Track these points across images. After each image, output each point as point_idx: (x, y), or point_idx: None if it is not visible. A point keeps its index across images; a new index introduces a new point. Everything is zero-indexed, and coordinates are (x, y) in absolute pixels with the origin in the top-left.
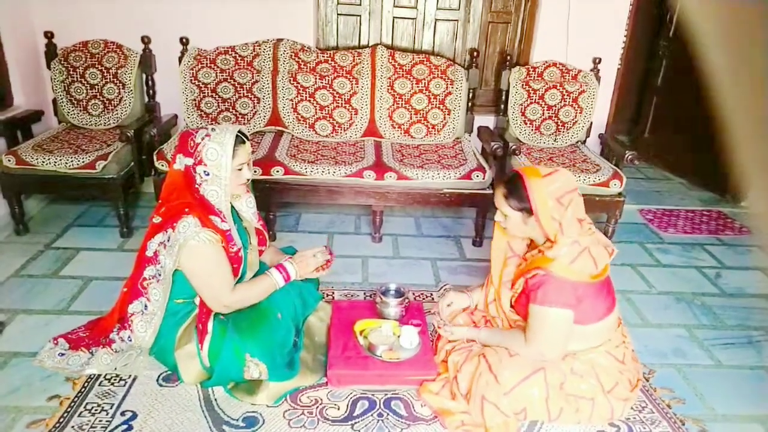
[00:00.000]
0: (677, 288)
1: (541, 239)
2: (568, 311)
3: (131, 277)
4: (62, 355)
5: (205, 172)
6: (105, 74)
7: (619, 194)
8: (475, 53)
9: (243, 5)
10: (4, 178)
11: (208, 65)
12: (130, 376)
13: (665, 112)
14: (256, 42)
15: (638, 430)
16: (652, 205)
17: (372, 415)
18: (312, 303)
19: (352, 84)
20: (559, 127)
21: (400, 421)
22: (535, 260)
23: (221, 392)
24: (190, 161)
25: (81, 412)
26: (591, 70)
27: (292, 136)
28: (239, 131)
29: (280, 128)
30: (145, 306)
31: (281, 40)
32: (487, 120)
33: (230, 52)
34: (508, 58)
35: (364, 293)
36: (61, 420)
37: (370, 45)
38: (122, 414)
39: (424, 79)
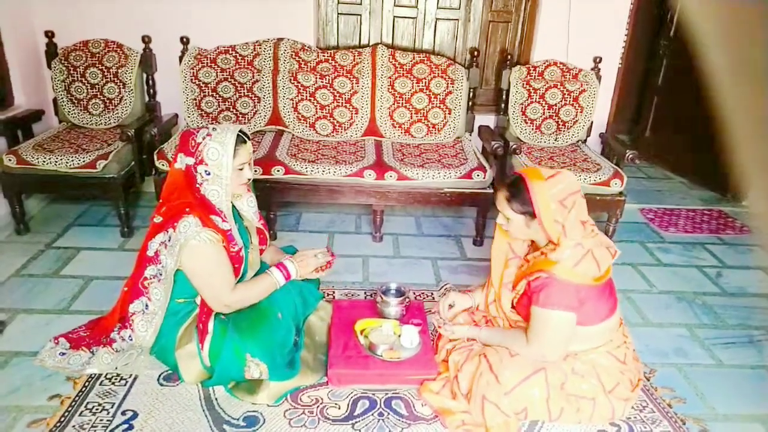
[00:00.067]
0: (678, 287)
1: (543, 241)
2: (571, 314)
3: (132, 277)
4: (63, 354)
5: (206, 171)
6: (105, 74)
7: (620, 193)
8: (475, 52)
9: (243, 5)
10: (4, 178)
11: (209, 65)
12: (130, 375)
13: (666, 111)
14: (257, 41)
15: (639, 430)
16: (653, 204)
17: (372, 414)
18: (312, 302)
19: (352, 83)
20: (560, 126)
21: (401, 421)
22: (537, 262)
23: (222, 392)
24: (191, 161)
25: (82, 411)
26: (591, 70)
27: (293, 135)
28: (240, 131)
29: (280, 128)
30: (146, 305)
31: (282, 39)
32: (488, 119)
33: (231, 52)
34: (509, 57)
35: (365, 293)
36: (62, 419)
37: (370, 44)
38: (123, 413)
39: (424, 78)
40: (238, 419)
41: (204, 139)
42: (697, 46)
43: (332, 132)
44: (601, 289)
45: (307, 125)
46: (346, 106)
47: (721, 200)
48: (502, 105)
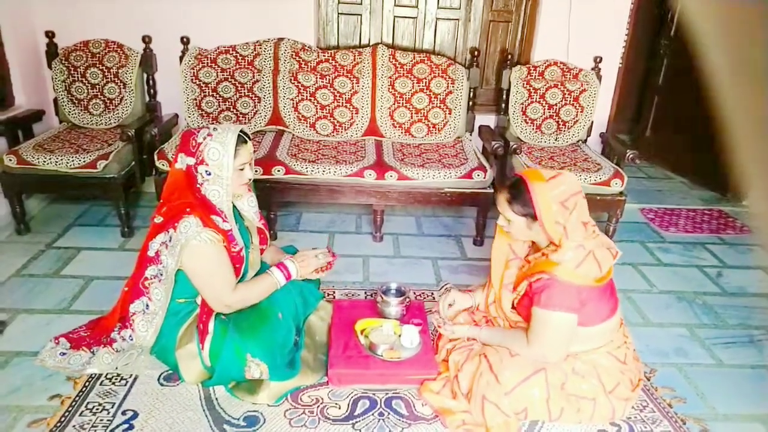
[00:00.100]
0: (678, 287)
1: (544, 242)
2: (572, 315)
3: (132, 277)
4: (63, 354)
5: (206, 171)
6: (106, 74)
7: (620, 193)
8: (475, 52)
9: (244, 4)
10: (5, 178)
11: (209, 65)
12: (131, 375)
13: (666, 111)
14: (257, 41)
15: (639, 430)
16: (654, 204)
17: (373, 414)
18: (313, 302)
19: (352, 83)
20: (560, 126)
21: (401, 421)
22: (539, 264)
23: (222, 391)
24: (191, 161)
25: (82, 411)
26: (592, 69)
27: (293, 135)
28: (241, 131)
29: (280, 128)
30: (147, 305)
31: (282, 39)
32: (488, 119)
33: (231, 52)
34: (509, 57)
35: (365, 292)
36: (63, 419)
37: (370, 44)
38: (123, 413)
39: (424, 78)
40: (238, 419)
41: (205, 139)
42: (697, 45)
43: (332, 132)
44: (602, 290)
45: (308, 125)
46: (346, 106)
47: (721, 200)
48: (503, 105)
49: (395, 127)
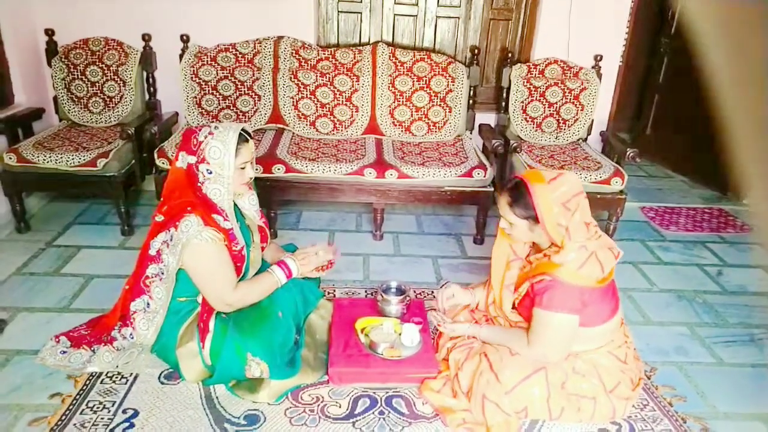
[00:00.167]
0: (679, 286)
1: (546, 243)
2: (574, 316)
3: (133, 275)
4: (64, 353)
5: (207, 170)
6: (106, 72)
7: (621, 192)
8: (476, 50)
9: (244, 3)
10: (5, 176)
11: (209, 63)
12: (131, 373)
13: (667, 109)
14: (257, 39)
15: (640, 429)
16: (654, 202)
17: (373, 412)
18: (313, 301)
19: (352, 81)
20: (560, 124)
21: (402, 419)
22: (541, 265)
23: (223, 390)
24: (192, 159)
25: (83, 409)
26: (592, 68)
27: (293, 133)
28: (243, 129)
29: (280, 126)
30: (148, 304)
31: (282, 37)
32: (488, 117)
33: (231, 50)
34: (509, 55)
35: (366, 291)
36: (63, 418)
37: (370, 42)
38: (124, 412)
39: (425, 76)
40: (238, 418)
41: (206, 137)
42: (698, 45)
43: (332, 130)
44: (604, 290)
45: (308, 123)
46: (346, 105)
47: (721, 199)
48: (503, 103)
49: (395, 125)
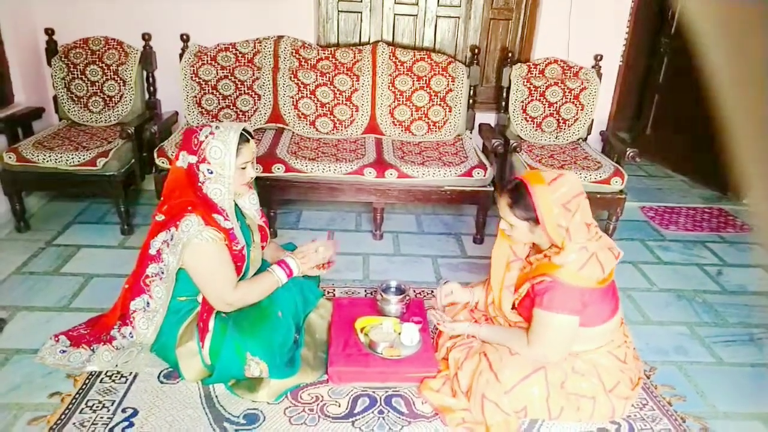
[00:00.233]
0: (678, 285)
1: (546, 244)
2: (574, 317)
3: (133, 274)
4: (63, 352)
5: (208, 170)
6: (105, 71)
7: (621, 191)
8: (476, 50)
9: (244, 3)
10: (4, 176)
11: (209, 62)
12: (131, 373)
13: (667, 109)
14: (257, 39)
15: (639, 428)
16: (654, 202)
17: (373, 412)
18: (313, 300)
19: (352, 81)
20: (560, 124)
21: (401, 418)
22: (541, 266)
23: (222, 389)
24: (193, 159)
25: (82, 408)
26: (592, 67)
27: (293, 133)
28: (244, 129)
29: (280, 125)
30: (147, 303)
31: (282, 37)
32: (488, 117)
33: (231, 49)
34: (509, 55)
35: (365, 290)
36: (63, 417)
37: (371, 42)
38: (123, 411)
39: (425, 76)
40: (238, 417)
41: (207, 137)
42: (698, 45)
43: (332, 130)
44: (604, 291)
45: (308, 123)
46: (346, 104)
47: (721, 198)
48: (503, 103)
49: (395, 125)
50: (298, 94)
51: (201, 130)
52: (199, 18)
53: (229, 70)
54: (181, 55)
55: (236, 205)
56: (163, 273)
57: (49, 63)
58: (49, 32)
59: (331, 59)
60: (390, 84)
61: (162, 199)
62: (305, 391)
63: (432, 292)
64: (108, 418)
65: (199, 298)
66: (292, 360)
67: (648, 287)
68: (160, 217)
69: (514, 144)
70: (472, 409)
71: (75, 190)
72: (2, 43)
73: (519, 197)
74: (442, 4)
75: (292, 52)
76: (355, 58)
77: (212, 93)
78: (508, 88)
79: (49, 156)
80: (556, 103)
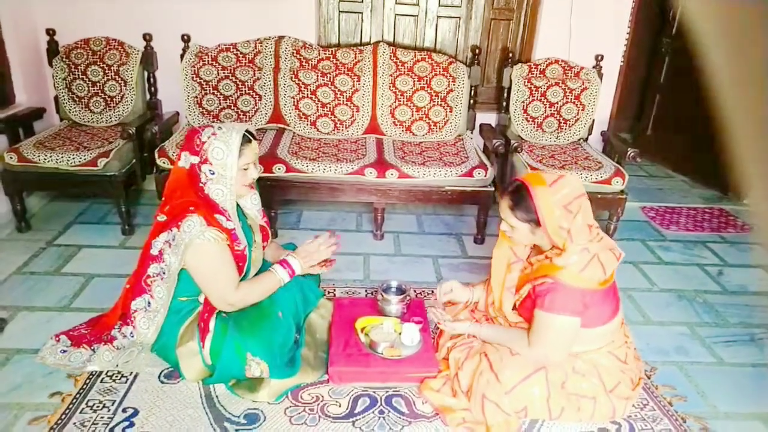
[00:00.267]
0: (679, 285)
1: (547, 246)
2: (575, 318)
3: (135, 274)
4: (64, 352)
5: (210, 171)
6: (107, 71)
7: (621, 192)
8: (477, 50)
9: (244, 3)
10: (5, 176)
11: (210, 62)
12: (131, 373)
13: (667, 109)
14: (258, 39)
15: (639, 428)
16: (655, 202)
17: (373, 412)
18: (313, 300)
19: (353, 81)
20: (561, 124)
21: (401, 418)
22: (543, 267)
23: (222, 389)
24: (195, 159)
25: (83, 408)
26: (593, 67)
27: (294, 133)
28: (246, 130)
29: (281, 125)
30: (149, 303)
31: (283, 37)
32: (489, 117)
33: (232, 50)
34: (510, 55)
35: (366, 290)
36: (63, 417)
37: (371, 42)
38: (124, 410)
39: (425, 76)
40: (238, 417)
41: (209, 138)
42: (699, 45)
43: (333, 130)
44: (605, 292)
45: (308, 123)
46: (347, 104)
47: (722, 198)
48: (504, 103)
49: (396, 125)
50: (298, 94)
51: (203, 130)
52: (200, 18)
53: (230, 70)
54: (182, 56)
55: (238, 205)
56: (164, 273)
57: (50, 63)
58: (51, 32)
59: (331, 59)
60: (391, 84)
61: (164, 199)
62: (306, 391)
63: (432, 292)
64: (108, 417)
65: (201, 298)
66: (292, 360)
67: (649, 287)
68: (161, 218)
69: (515, 144)
70: (473, 409)
71: (76, 190)
72: (3, 43)
73: (520, 199)
74: (442, 4)
75: (293, 53)
76: (355, 58)
77: (213, 93)
78: (509, 89)
79: (50, 156)
80: (557, 103)
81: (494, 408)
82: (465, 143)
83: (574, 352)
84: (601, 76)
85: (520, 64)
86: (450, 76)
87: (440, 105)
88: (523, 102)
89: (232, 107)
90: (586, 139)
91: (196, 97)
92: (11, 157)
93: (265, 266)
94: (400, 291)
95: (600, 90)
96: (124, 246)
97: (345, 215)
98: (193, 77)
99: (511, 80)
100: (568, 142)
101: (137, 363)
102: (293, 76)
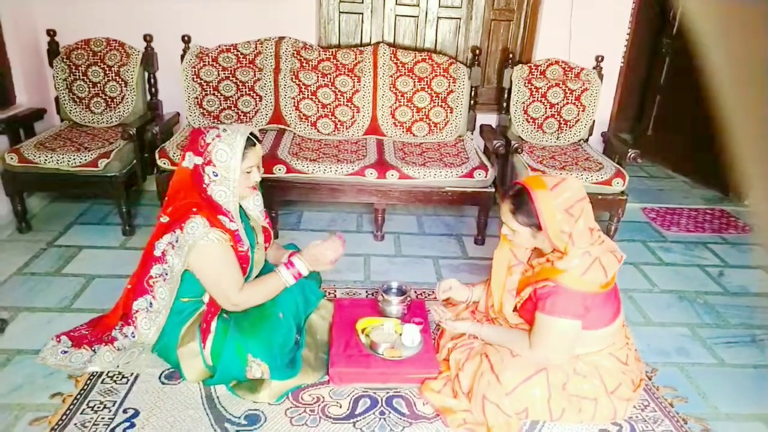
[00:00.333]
0: (680, 287)
1: (549, 249)
2: (577, 321)
3: (136, 275)
4: (65, 352)
5: (213, 172)
6: (107, 72)
7: (622, 193)
8: (477, 51)
9: (245, 4)
10: (6, 176)
11: (210, 63)
12: (132, 373)
13: (668, 110)
14: (258, 40)
15: (641, 429)
16: (655, 203)
17: (374, 413)
18: (314, 301)
19: (354, 82)
20: (562, 125)
21: (402, 419)
22: (544, 270)
23: (223, 390)
24: (199, 160)
25: (83, 409)
26: (594, 68)
27: (294, 134)
28: (251, 133)
29: (282, 126)
30: (150, 303)
31: (283, 38)
32: (490, 118)
33: (232, 50)
34: (511, 55)
35: (366, 291)
36: (64, 417)
37: (372, 43)
38: (124, 411)
39: (426, 77)
40: (239, 417)
41: (213, 140)
42: (699, 45)
43: (334, 131)
44: (606, 295)
45: (309, 124)
46: (347, 105)
47: (723, 199)
48: (504, 104)
49: (396, 126)
50: (299, 95)
51: (208, 132)
52: (200, 19)
53: (231, 71)
54: (182, 56)
55: (240, 206)
56: (167, 274)
57: (50, 64)
58: (51, 33)
59: (332, 60)
60: (391, 85)
61: (167, 199)
62: (306, 392)
63: (433, 292)
64: (109, 418)
65: (204, 299)
66: (293, 361)
67: (649, 288)
68: (164, 219)
69: (516, 145)
70: (474, 410)
71: (76, 191)
72: (4, 44)
73: (521, 203)
74: (443, 5)
75: (293, 53)
76: (356, 59)
77: (213, 94)
78: (510, 89)
79: (51, 157)
80: (557, 104)
81: (495, 409)
82: (465, 144)
83: (575, 353)
84: (601, 76)
85: (520, 64)
86: (450, 76)
87: (441, 106)
88: (523, 103)
89: (233, 108)
90: (587, 140)
91: (197, 97)
92: (12, 158)
93: (266, 267)
94: (401, 292)
95: (600, 91)
96: (125, 247)
97: (345, 216)
98: (193, 78)
99: (511, 81)
100: (569, 143)
101: (138, 364)
102: (294, 76)
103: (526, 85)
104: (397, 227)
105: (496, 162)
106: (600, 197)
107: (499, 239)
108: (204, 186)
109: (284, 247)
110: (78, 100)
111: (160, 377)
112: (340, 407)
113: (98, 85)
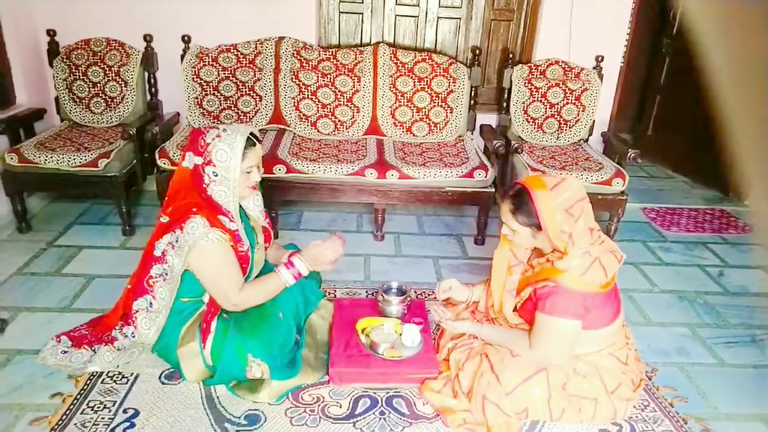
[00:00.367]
0: (680, 287)
1: (549, 249)
2: (577, 322)
3: (136, 275)
4: (65, 352)
5: (213, 173)
6: (107, 72)
7: (622, 192)
8: (477, 51)
9: (245, 4)
10: (6, 176)
11: (210, 63)
12: (132, 373)
13: (668, 110)
14: (258, 40)
15: (641, 429)
16: (655, 203)
17: (374, 413)
18: (314, 301)
19: (354, 82)
20: (562, 125)
21: (402, 419)
22: (544, 270)
23: (223, 390)
24: (199, 160)
25: (83, 409)
26: (594, 68)
27: (294, 134)
28: (251, 133)
29: (282, 126)
30: (150, 303)
31: (283, 38)
32: (490, 118)
33: (232, 50)
34: (511, 55)
35: (366, 291)
36: (64, 417)
37: (372, 43)
38: (124, 411)
39: (426, 77)
40: (239, 417)
41: (213, 140)
42: (699, 45)
43: (334, 131)
44: (606, 295)
45: (309, 124)
46: (347, 105)
47: (723, 199)
48: (504, 104)
49: (396, 126)
50: (299, 95)
51: (208, 132)
52: (200, 19)
53: (231, 71)
54: (182, 56)
55: (240, 206)
56: (167, 274)
57: (50, 64)
58: (51, 33)
59: (332, 60)
60: (391, 85)
61: (167, 199)
62: (306, 392)
63: (433, 292)
64: (109, 418)
65: (204, 299)
66: (293, 361)
67: (649, 288)
68: (164, 219)
69: (516, 145)
70: (474, 410)
71: (76, 191)
72: (4, 44)
73: (521, 203)
74: (443, 5)
75: (293, 53)
76: (356, 59)
77: (213, 94)
78: (510, 89)
79: (51, 157)
80: (557, 104)
81: (495, 409)
82: (465, 144)
83: (575, 353)
84: (601, 76)
85: (520, 65)
86: (450, 76)
87: (441, 106)
88: (523, 103)
89: (233, 108)
90: (587, 140)
91: (197, 97)
92: (12, 158)
93: (266, 267)
94: (401, 292)
95: (600, 91)
96: (125, 246)
97: (345, 216)
98: (193, 78)
99: (511, 81)
100: (569, 143)
101: (138, 364)
102: (294, 76)
103: (526, 85)
104: (397, 227)
105: (496, 162)
106: (600, 197)
107: (499, 239)
108: (204, 186)
109: (284, 247)
110: (78, 100)
111: (160, 377)
112: (340, 407)
113: (98, 85)
